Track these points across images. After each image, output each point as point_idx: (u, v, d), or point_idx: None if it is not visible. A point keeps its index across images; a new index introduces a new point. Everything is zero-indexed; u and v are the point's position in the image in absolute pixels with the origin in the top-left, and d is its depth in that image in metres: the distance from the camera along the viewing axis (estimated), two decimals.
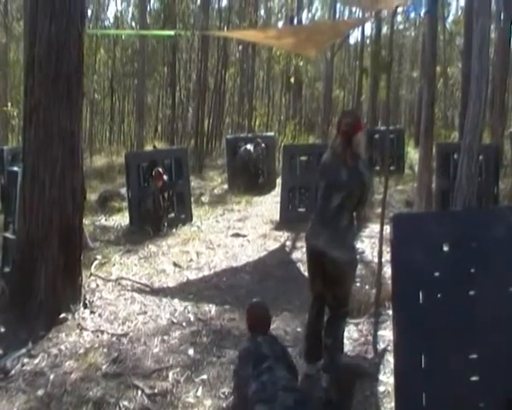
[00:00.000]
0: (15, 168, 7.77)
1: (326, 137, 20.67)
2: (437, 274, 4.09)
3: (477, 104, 7.62)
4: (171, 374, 5.39)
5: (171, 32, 19.51)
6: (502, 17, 19.46)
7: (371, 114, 23.80)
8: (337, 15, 29.88)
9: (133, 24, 37.84)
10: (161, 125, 36.53)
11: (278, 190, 13.84)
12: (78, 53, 6.70)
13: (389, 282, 5.27)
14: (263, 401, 3.98)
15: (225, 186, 17.19)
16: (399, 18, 34.47)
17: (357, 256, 5.72)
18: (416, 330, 4.04)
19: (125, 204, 12.89)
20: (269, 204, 14.38)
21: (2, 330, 6.24)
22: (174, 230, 11.11)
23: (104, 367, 5.52)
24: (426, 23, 12.84)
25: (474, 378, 4.07)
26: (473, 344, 4.12)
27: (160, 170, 11.27)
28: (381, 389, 5.13)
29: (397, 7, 7.14)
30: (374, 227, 10.44)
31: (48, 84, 6.49)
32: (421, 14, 17.03)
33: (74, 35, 6.61)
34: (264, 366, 4.30)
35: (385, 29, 28.87)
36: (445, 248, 4.16)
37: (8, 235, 7.69)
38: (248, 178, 16.23)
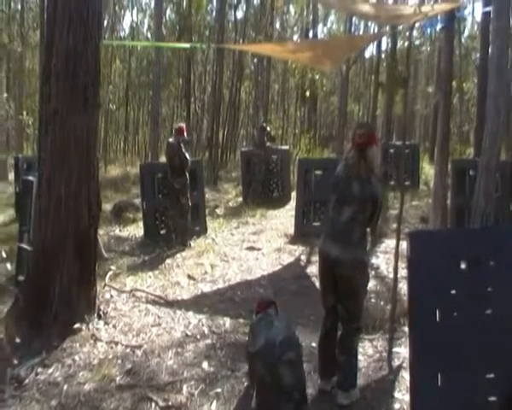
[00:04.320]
0: (30, 177, 7.77)
1: (341, 151, 20.65)
2: (454, 292, 4.07)
3: (495, 123, 7.58)
4: (185, 387, 5.37)
5: (187, 45, 19.55)
6: None
7: (386, 128, 23.66)
8: (352, 29, 29.97)
9: (149, 35, 38.15)
10: None
11: (293, 203, 13.85)
12: (95, 63, 6.72)
13: (404, 298, 5.25)
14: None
15: (240, 199, 17.23)
16: (415, 33, 34.30)
17: (371, 271, 5.69)
18: (432, 348, 4.02)
19: (139, 215, 12.93)
20: (283, 218, 14.40)
21: (17, 339, 6.24)
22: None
23: (118, 379, 5.51)
24: (442, 38, 12.83)
25: (491, 399, 4.04)
26: (490, 363, 4.08)
27: None
28: (397, 406, 5.08)
29: (414, 22, 7.12)
30: (389, 242, 10.42)
31: (65, 94, 6.51)
32: (438, 30, 17.01)
33: (92, 45, 6.63)
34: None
35: (400, 43, 28.83)
36: (463, 266, 4.13)
37: (23, 244, 7.70)
38: (263, 191, 16.30)
